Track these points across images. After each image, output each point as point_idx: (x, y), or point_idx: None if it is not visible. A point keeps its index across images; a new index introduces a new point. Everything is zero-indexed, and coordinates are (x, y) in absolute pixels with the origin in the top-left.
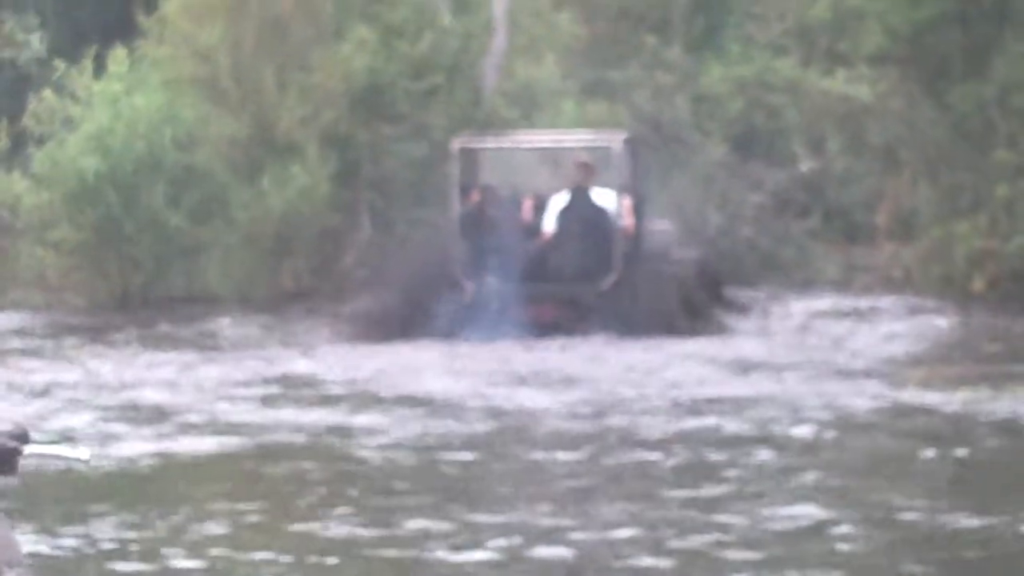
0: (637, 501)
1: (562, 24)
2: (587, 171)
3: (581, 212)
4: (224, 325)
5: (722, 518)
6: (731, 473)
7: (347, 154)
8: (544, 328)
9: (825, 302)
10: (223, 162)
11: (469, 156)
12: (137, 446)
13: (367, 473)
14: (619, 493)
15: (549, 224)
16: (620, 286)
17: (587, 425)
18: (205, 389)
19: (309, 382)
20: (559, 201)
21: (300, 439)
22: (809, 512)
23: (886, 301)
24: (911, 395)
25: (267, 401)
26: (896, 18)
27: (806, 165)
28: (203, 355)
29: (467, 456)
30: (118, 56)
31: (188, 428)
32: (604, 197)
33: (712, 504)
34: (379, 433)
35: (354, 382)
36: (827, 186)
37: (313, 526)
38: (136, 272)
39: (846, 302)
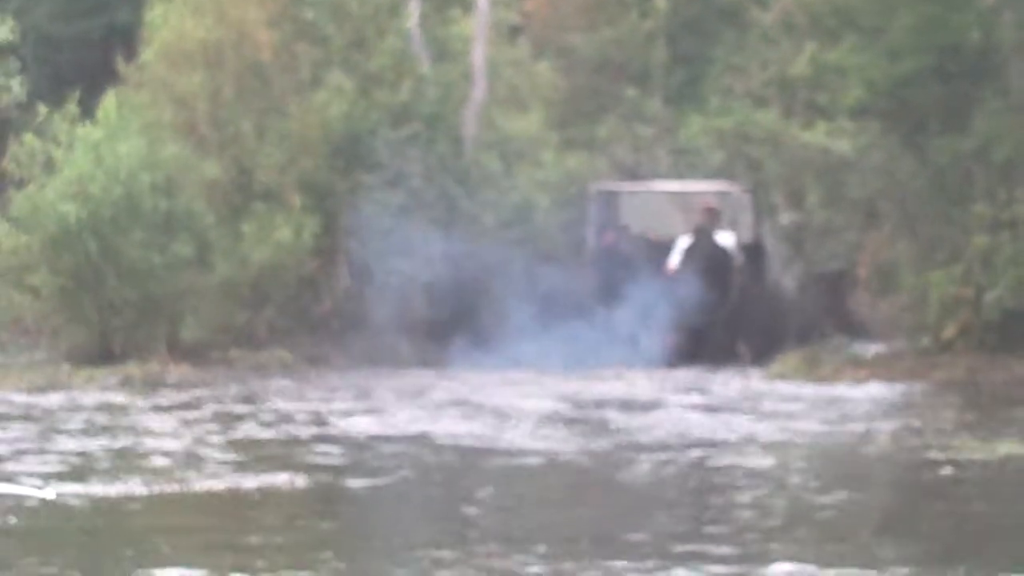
0: None
1: (542, 75)
2: (712, 215)
3: (704, 251)
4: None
5: None
6: None
7: (325, 202)
8: (672, 354)
9: None
10: (203, 208)
11: (606, 198)
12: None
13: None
14: None
15: (674, 261)
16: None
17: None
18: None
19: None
20: (685, 241)
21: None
22: None
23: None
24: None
25: None
26: (876, 72)
27: (786, 217)
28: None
29: None
30: (108, 101)
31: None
32: (725, 238)
33: None
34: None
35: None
36: (806, 239)
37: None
38: (115, 318)
39: None
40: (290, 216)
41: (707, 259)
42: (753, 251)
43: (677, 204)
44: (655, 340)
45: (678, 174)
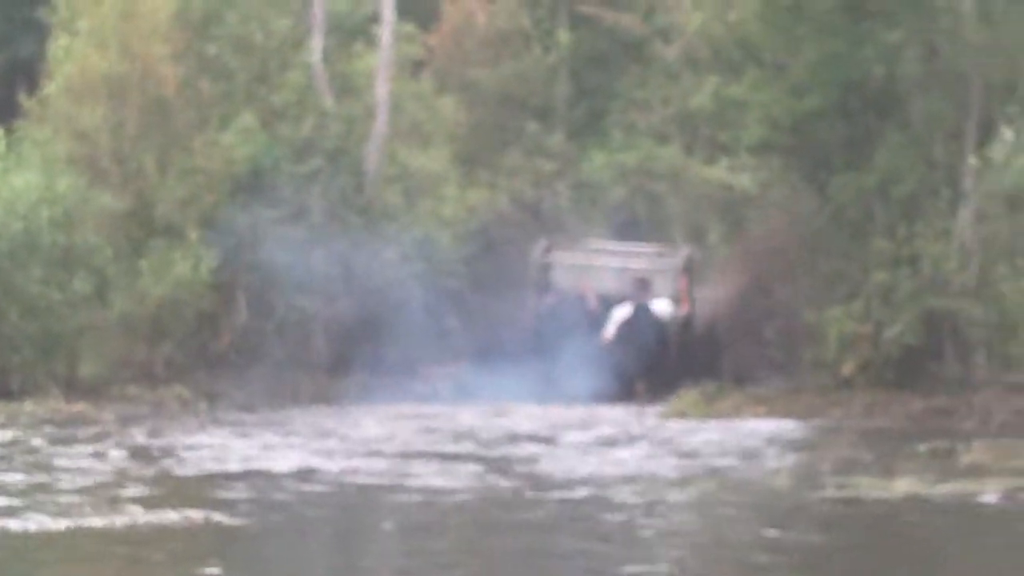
0: None
1: (445, 109)
2: (643, 287)
3: (639, 324)
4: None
5: None
6: None
7: (226, 237)
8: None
9: None
10: (102, 242)
11: (545, 264)
12: None
13: None
14: None
15: (610, 332)
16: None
17: None
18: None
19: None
20: (621, 312)
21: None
22: None
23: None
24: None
25: None
26: (778, 109)
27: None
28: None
29: None
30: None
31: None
32: (662, 307)
33: None
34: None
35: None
36: (709, 275)
37: None
38: (13, 355)
39: None
40: (189, 251)
41: (641, 332)
42: (687, 320)
43: (616, 269)
44: (572, 382)
45: (579, 210)
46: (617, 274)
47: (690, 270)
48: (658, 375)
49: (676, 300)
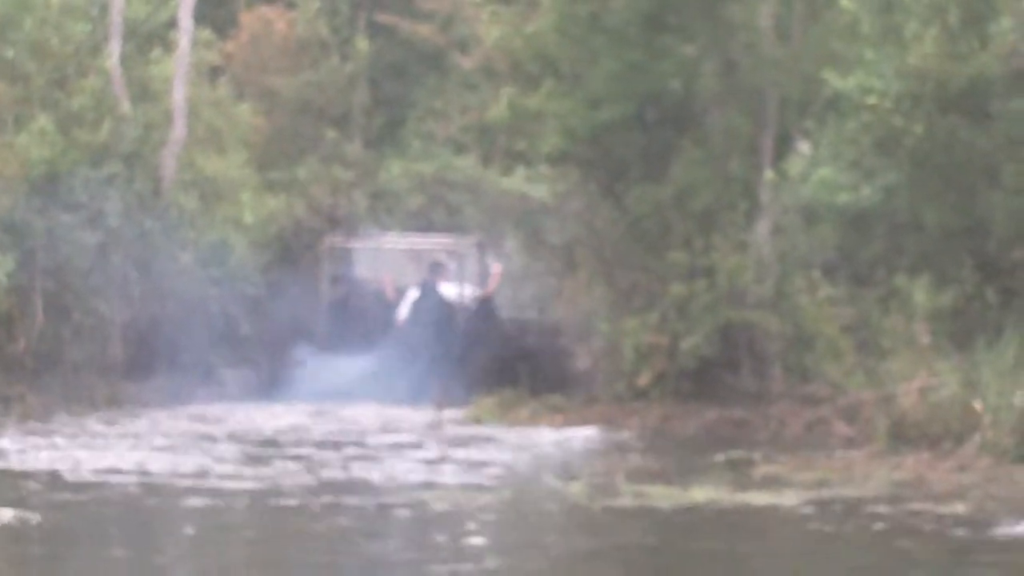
0: None
1: (242, 116)
2: (438, 269)
3: (429, 304)
4: None
5: None
6: None
7: (23, 241)
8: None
9: None
10: None
11: (337, 253)
12: None
13: None
14: None
15: (403, 313)
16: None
17: None
18: None
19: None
20: (413, 294)
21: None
22: None
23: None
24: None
25: None
26: (575, 120)
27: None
28: None
29: None
30: None
31: None
32: (449, 290)
33: None
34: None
35: None
36: (505, 284)
37: None
38: None
39: None
40: None
41: (431, 312)
42: (482, 302)
43: (407, 258)
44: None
45: (376, 218)
46: (411, 259)
47: (482, 256)
48: (448, 358)
49: (471, 283)
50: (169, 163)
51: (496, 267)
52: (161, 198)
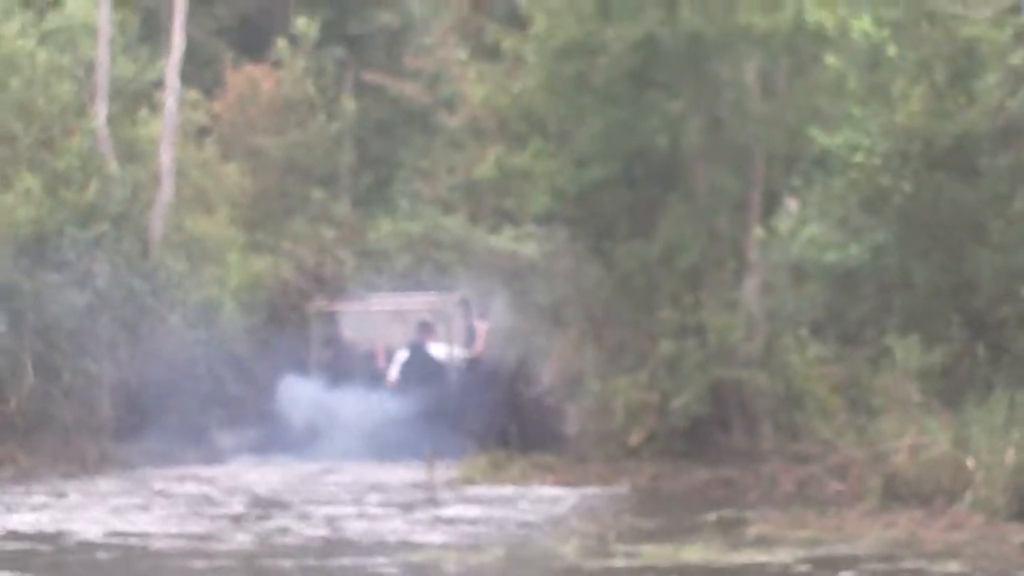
0: None
1: (229, 176)
2: (426, 329)
3: (419, 364)
4: None
5: None
6: None
7: (11, 301)
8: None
9: None
10: None
11: (326, 317)
12: None
13: None
14: None
15: (393, 374)
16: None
17: None
18: None
19: None
20: (402, 355)
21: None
22: None
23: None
24: None
25: None
26: (563, 179)
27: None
28: None
29: None
30: None
31: None
32: (439, 350)
33: None
34: None
35: None
36: (493, 343)
37: None
38: None
39: None
40: None
41: (422, 372)
42: (471, 362)
43: (394, 319)
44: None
45: (363, 278)
46: (398, 319)
47: (468, 314)
48: (442, 417)
49: (458, 342)
50: (157, 224)
51: (482, 326)
52: (149, 259)
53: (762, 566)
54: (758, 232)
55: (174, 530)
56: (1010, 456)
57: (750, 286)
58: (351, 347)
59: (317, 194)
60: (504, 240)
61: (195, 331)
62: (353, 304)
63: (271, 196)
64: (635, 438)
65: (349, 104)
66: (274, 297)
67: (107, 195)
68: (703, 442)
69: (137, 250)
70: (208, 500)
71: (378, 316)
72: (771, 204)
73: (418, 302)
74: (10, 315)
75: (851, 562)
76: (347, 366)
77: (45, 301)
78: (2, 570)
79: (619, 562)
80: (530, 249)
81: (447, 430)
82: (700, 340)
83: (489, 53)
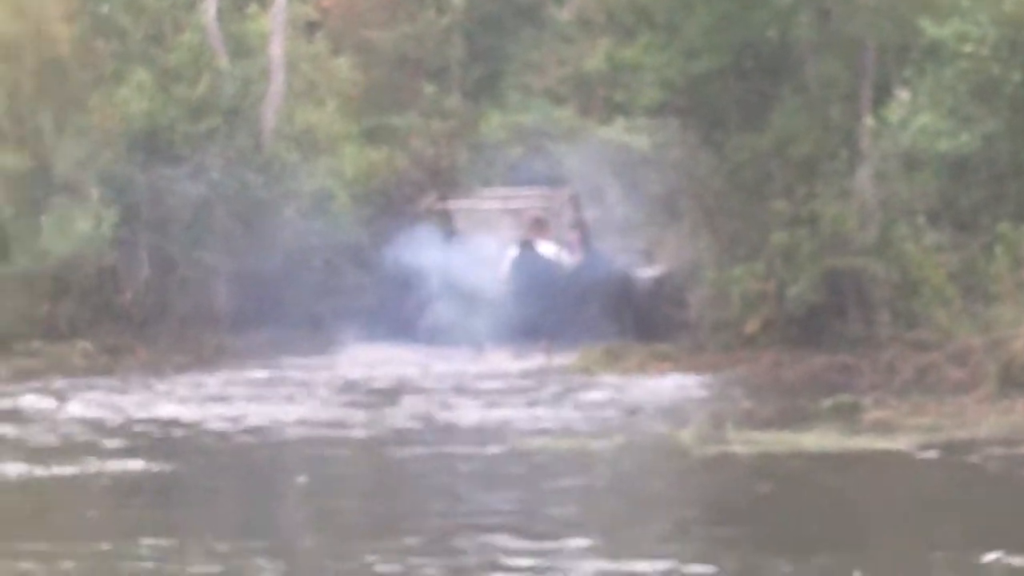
0: None
1: (340, 70)
2: (538, 225)
3: (529, 262)
4: None
5: None
6: None
7: (126, 195)
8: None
9: None
10: (2, 200)
11: (436, 214)
12: None
13: None
14: None
15: (504, 271)
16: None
17: None
18: None
19: None
20: (512, 252)
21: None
22: None
23: None
24: None
25: None
26: (672, 71)
27: (588, 213)
28: None
29: None
30: None
31: None
32: (548, 248)
33: None
34: None
35: None
36: (608, 235)
37: None
38: None
39: None
40: (90, 208)
41: (532, 268)
42: (585, 254)
43: (503, 215)
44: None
45: (477, 171)
46: (508, 215)
47: (577, 208)
48: (554, 311)
49: (568, 237)
50: (268, 117)
51: (587, 219)
52: (262, 152)
53: (882, 452)
54: (870, 122)
55: (293, 418)
56: None
57: (863, 175)
58: (462, 243)
59: (428, 88)
60: (615, 132)
61: (309, 222)
62: (463, 201)
63: (381, 89)
64: (751, 326)
65: None
66: (388, 188)
67: (218, 90)
68: (820, 330)
69: (249, 143)
70: (325, 388)
71: (488, 212)
72: (882, 95)
73: (528, 198)
74: (126, 209)
75: (971, 447)
76: (459, 261)
77: (160, 194)
78: (135, 458)
79: (736, 449)
80: (641, 141)
81: (561, 323)
82: (814, 229)
83: None
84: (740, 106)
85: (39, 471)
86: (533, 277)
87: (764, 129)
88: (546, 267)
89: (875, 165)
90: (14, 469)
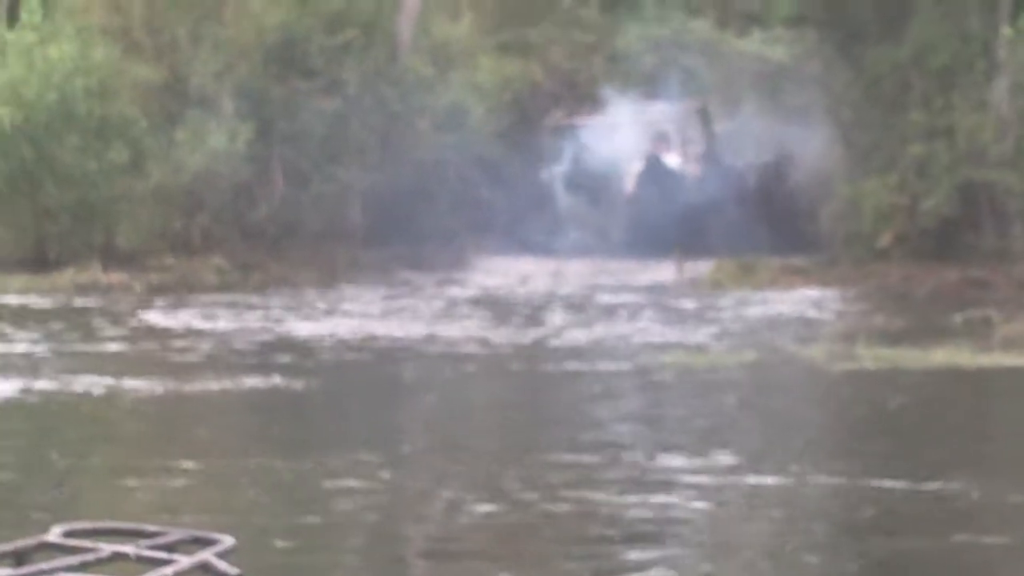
0: None
1: None
2: (662, 139)
3: (654, 175)
4: None
5: None
6: None
7: (261, 109)
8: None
9: None
10: (137, 114)
11: (565, 130)
12: None
13: None
14: None
15: (630, 186)
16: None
17: None
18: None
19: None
20: (637, 166)
21: None
22: None
23: None
24: None
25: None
26: None
27: (721, 126)
28: None
29: None
30: (31, 4)
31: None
32: (672, 160)
33: None
34: None
35: None
36: (742, 148)
37: None
38: (51, 225)
39: None
40: (224, 122)
41: (657, 182)
42: (715, 168)
43: (631, 129)
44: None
45: (613, 83)
46: (636, 129)
47: (707, 122)
48: (681, 229)
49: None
50: (404, 30)
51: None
52: (397, 65)
53: (1013, 369)
54: (1007, 32)
55: (428, 334)
56: None
57: (1000, 86)
58: (591, 157)
59: (564, 0)
60: (752, 43)
61: (444, 135)
62: (591, 116)
63: (517, 2)
64: (884, 240)
65: None
66: (523, 101)
67: (354, 3)
68: (953, 244)
69: (385, 56)
70: (460, 303)
71: (616, 127)
72: (1021, 4)
73: (656, 112)
74: (259, 122)
75: None
76: (588, 176)
77: (294, 108)
78: (270, 375)
79: (867, 364)
80: (778, 52)
81: (690, 236)
82: (950, 142)
83: None
84: (878, 17)
85: (179, 386)
86: (659, 190)
87: (902, 40)
88: (671, 180)
89: (1012, 76)
90: (159, 386)
